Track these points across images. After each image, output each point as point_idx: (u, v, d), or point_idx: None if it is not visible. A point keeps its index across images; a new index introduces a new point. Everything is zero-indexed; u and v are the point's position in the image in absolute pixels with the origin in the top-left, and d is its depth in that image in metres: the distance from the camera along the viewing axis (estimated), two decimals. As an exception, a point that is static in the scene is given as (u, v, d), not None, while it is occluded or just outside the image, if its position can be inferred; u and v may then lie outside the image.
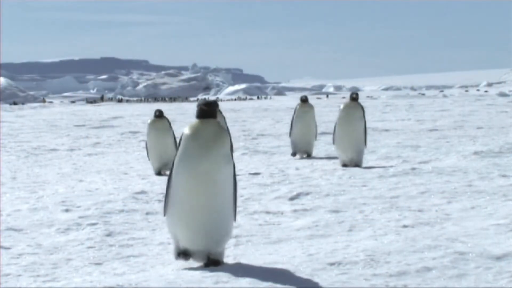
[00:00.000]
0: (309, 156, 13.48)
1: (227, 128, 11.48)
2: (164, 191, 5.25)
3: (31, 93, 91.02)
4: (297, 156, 13.50)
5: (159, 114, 11.73)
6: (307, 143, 13.60)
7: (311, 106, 14.03)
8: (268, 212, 7.34)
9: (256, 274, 4.92)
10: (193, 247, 5.09)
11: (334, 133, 11.63)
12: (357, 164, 11.25)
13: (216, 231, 5.04)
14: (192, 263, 5.19)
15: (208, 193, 4.97)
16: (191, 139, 5.00)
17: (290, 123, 14.03)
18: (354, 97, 11.63)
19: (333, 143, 11.72)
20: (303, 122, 13.67)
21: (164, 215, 5.17)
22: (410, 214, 6.89)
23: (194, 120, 5.14)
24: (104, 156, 15.23)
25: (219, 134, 5.03)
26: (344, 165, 11.35)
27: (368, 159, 12.20)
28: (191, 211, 4.99)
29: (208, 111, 5.09)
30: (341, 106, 11.65)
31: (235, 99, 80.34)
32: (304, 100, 13.94)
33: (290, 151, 13.74)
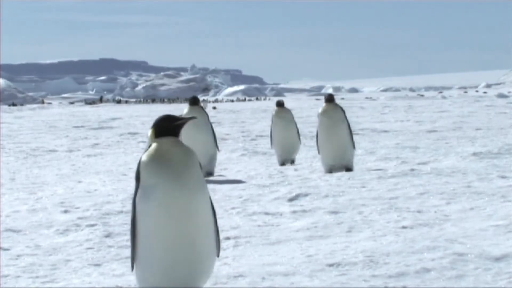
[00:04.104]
0: (292, 162, 12.52)
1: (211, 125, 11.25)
2: None
3: (30, 94, 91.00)
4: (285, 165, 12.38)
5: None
6: (290, 150, 12.63)
7: (288, 111, 12.98)
8: (267, 213, 7.34)
9: (255, 275, 4.92)
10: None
11: (317, 141, 10.91)
12: (348, 168, 10.67)
13: (195, 269, 4.20)
14: None
15: (183, 228, 4.10)
16: (154, 167, 4.10)
17: (269, 133, 13.04)
18: (329, 99, 10.92)
19: (318, 152, 10.96)
20: (281, 129, 12.68)
21: (132, 269, 4.28)
22: (409, 215, 6.88)
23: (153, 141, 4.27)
24: (103, 157, 15.23)
25: (186, 155, 4.17)
26: (329, 172, 10.53)
27: (367, 160, 12.20)
28: (165, 255, 4.11)
29: (168, 127, 4.23)
30: (319, 111, 10.93)
31: (232, 100, 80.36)
32: (281, 104, 12.92)
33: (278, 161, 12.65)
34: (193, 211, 4.13)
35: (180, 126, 4.26)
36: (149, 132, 4.23)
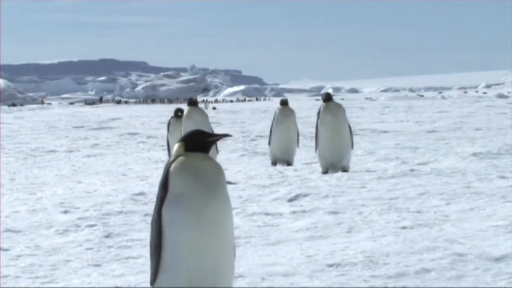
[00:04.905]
0: (289, 165, 12.30)
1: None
2: None
3: (30, 94, 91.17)
4: (278, 165, 12.31)
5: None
6: (287, 151, 12.49)
7: (292, 111, 12.77)
8: (267, 214, 7.34)
9: (255, 275, 4.92)
10: None
11: (316, 138, 10.81)
12: (344, 169, 10.60)
13: (218, 281, 3.94)
14: None
15: (216, 247, 3.92)
16: (187, 175, 3.92)
17: (269, 129, 12.89)
18: (327, 98, 10.81)
19: (315, 150, 10.92)
20: (282, 128, 12.47)
21: (152, 284, 3.96)
22: (408, 216, 6.88)
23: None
24: (103, 158, 15.23)
25: (218, 170, 4.02)
26: (325, 172, 10.55)
27: (367, 160, 12.20)
28: (198, 272, 3.88)
29: (199, 142, 4.04)
30: (321, 109, 10.80)
31: (232, 101, 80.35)
32: (285, 103, 12.75)
33: (270, 160, 12.68)
34: (222, 224, 3.95)
35: (212, 143, 4.08)
36: (176, 145, 4.05)
